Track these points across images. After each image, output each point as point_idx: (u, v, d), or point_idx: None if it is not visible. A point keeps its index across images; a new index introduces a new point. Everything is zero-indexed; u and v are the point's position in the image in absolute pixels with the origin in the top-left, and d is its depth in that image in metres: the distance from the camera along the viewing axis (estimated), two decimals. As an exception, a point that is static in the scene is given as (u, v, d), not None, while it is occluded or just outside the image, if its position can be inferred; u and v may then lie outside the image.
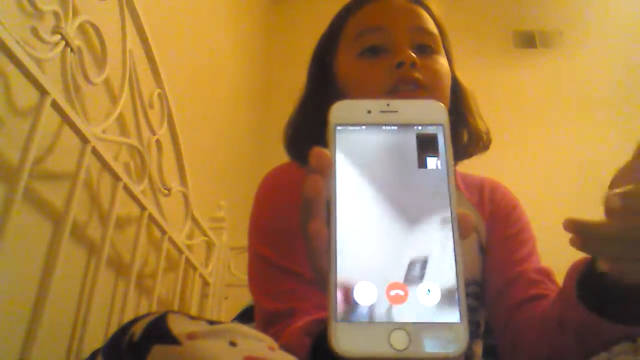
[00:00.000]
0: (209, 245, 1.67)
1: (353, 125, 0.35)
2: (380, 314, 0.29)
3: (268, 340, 0.45)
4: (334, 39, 0.81)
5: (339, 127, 0.35)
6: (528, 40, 3.21)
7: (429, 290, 0.30)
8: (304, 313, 0.62)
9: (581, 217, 0.59)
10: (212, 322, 0.44)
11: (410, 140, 0.34)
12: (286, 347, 0.46)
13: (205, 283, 1.61)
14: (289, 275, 0.68)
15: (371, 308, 0.29)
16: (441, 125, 0.34)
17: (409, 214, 0.32)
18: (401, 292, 0.30)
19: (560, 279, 0.74)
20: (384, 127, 0.34)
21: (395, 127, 0.34)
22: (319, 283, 0.32)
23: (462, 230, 0.31)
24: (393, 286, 0.30)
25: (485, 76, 2.84)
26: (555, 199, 2.67)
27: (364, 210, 0.32)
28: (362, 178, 0.33)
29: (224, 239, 1.72)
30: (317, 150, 0.33)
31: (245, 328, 0.45)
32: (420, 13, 0.77)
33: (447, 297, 0.30)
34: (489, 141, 0.83)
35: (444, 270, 0.30)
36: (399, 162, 0.33)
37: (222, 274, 1.69)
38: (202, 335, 0.41)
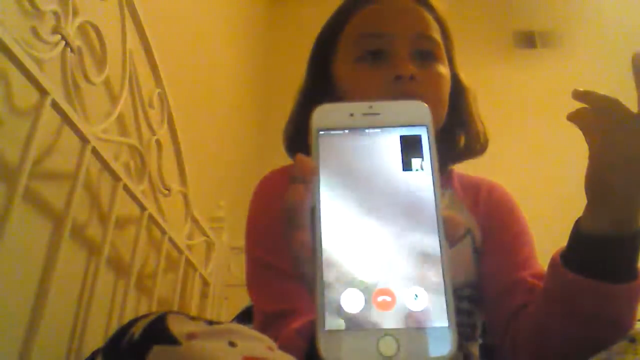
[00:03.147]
0: (209, 245, 1.67)
1: (335, 129, 0.34)
2: (368, 321, 0.29)
3: (267, 340, 0.45)
4: (334, 38, 0.80)
5: (321, 132, 0.34)
6: (528, 40, 3.22)
7: (416, 295, 0.29)
8: (301, 313, 0.62)
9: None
10: (211, 323, 0.44)
11: (394, 143, 0.33)
12: (283, 349, 0.46)
13: (205, 283, 1.61)
14: (285, 276, 0.68)
15: (359, 315, 0.29)
16: (425, 126, 0.34)
17: (395, 218, 0.31)
18: (388, 298, 0.29)
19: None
20: (367, 130, 0.34)
21: (379, 130, 0.34)
22: (307, 290, 0.32)
23: (448, 232, 0.31)
24: (380, 292, 0.30)
25: (485, 76, 2.84)
26: (555, 199, 2.67)
27: (349, 216, 0.32)
28: (346, 183, 0.32)
29: (224, 239, 1.72)
30: (300, 158, 0.33)
31: (244, 328, 0.45)
32: (424, 16, 0.76)
33: (435, 301, 0.29)
34: (486, 143, 0.82)
35: (431, 274, 0.30)
36: (384, 165, 0.33)
37: (222, 274, 1.69)
38: (202, 335, 0.41)
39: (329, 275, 0.30)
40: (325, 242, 0.31)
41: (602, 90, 0.58)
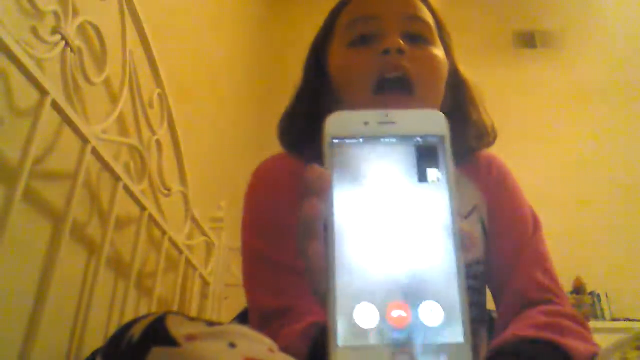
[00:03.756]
0: (209, 246, 1.67)
1: (350, 138, 0.33)
2: (382, 336, 0.28)
3: (268, 342, 0.45)
4: (329, 31, 0.81)
5: (335, 141, 0.33)
6: (528, 40, 3.22)
7: (431, 310, 0.29)
8: (302, 311, 0.62)
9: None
10: (211, 324, 0.44)
11: (409, 153, 0.33)
12: (284, 350, 0.46)
13: (205, 283, 1.61)
14: (285, 270, 0.67)
15: (373, 331, 0.28)
16: (442, 136, 0.33)
17: (410, 230, 0.31)
18: (403, 313, 0.29)
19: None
20: (382, 140, 0.33)
21: (394, 140, 0.33)
22: (320, 304, 0.32)
23: (463, 246, 0.30)
24: (394, 307, 0.29)
25: (485, 76, 2.84)
26: (555, 197, 2.67)
27: (363, 228, 0.31)
28: (360, 194, 0.32)
29: (224, 240, 1.72)
30: (315, 170, 0.32)
31: (245, 329, 0.45)
32: (414, 2, 0.76)
33: (451, 316, 0.29)
34: (495, 135, 0.81)
35: (446, 289, 0.29)
36: (399, 176, 0.32)
37: (222, 274, 1.69)
38: (202, 336, 0.41)
39: (342, 289, 0.29)
40: (339, 256, 0.30)
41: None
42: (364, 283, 0.29)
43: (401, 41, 0.70)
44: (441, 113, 0.34)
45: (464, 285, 0.29)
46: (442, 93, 0.75)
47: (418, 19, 0.75)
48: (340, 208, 0.31)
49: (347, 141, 0.33)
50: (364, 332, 0.28)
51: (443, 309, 0.29)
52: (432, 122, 0.34)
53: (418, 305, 0.29)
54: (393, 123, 0.33)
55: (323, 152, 0.33)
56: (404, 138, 0.33)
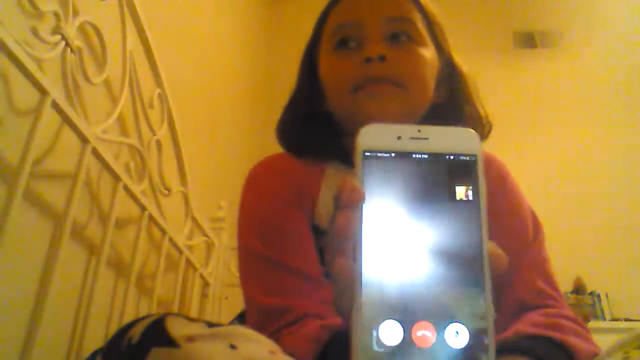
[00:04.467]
0: (209, 246, 1.67)
1: (382, 152, 0.33)
2: (406, 355, 0.28)
3: (269, 343, 0.45)
4: (318, 34, 0.81)
5: (367, 153, 0.32)
6: (528, 40, 3.22)
7: (457, 332, 0.29)
8: (301, 311, 0.62)
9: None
10: (211, 324, 0.44)
11: (441, 170, 0.32)
12: (290, 353, 0.46)
13: (205, 283, 1.61)
14: (283, 269, 0.67)
15: (397, 349, 0.28)
16: (474, 155, 0.33)
17: (439, 249, 0.30)
18: (428, 333, 0.29)
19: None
20: (414, 156, 0.32)
21: (427, 156, 0.33)
22: (343, 318, 0.31)
23: (493, 268, 0.30)
24: (420, 326, 0.29)
25: (485, 76, 2.84)
26: (555, 197, 2.67)
27: (392, 244, 0.30)
28: (390, 210, 0.31)
29: (224, 239, 1.72)
30: (349, 183, 0.31)
31: (246, 330, 0.45)
32: (398, 3, 0.76)
33: (476, 339, 0.28)
34: (490, 127, 0.81)
35: (473, 311, 0.29)
36: (430, 193, 0.32)
37: (222, 274, 1.69)
38: (202, 338, 0.41)
39: (368, 305, 0.29)
40: (365, 271, 0.30)
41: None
42: (391, 300, 0.29)
43: (383, 46, 0.71)
44: (474, 131, 0.34)
45: (490, 308, 0.29)
46: (430, 88, 0.75)
47: (401, 19, 0.75)
48: (369, 222, 0.31)
49: (379, 154, 0.33)
50: (388, 350, 0.28)
51: (468, 331, 0.29)
52: (464, 140, 0.34)
53: (444, 326, 0.29)
54: (426, 139, 0.33)
55: (355, 165, 0.32)
56: (436, 155, 0.33)
